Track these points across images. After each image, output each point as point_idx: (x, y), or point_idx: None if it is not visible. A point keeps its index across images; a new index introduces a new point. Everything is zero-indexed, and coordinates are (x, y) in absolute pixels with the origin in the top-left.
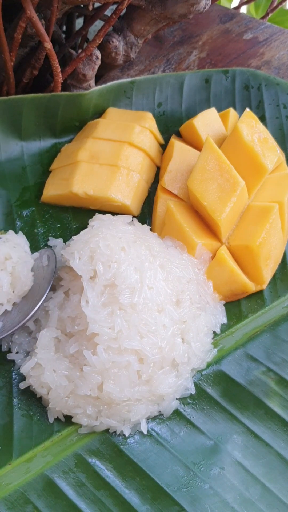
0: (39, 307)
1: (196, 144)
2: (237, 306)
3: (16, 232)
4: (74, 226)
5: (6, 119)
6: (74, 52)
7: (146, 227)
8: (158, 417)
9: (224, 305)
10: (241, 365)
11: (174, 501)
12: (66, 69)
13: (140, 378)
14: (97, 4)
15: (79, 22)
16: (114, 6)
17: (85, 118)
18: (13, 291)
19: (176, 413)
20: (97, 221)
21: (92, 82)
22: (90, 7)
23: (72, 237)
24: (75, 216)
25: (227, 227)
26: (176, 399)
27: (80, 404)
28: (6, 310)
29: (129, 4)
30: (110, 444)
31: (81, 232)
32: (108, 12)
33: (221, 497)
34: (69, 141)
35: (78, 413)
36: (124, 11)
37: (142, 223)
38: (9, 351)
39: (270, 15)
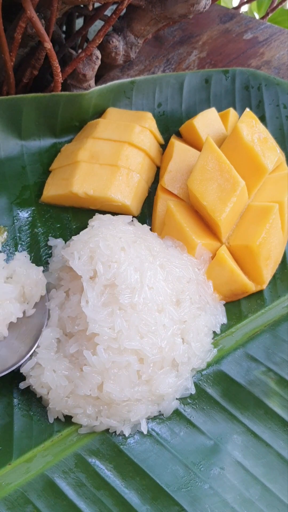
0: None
1: (196, 144)
2: (237, 306)
3: (16, 231)
4: (74, 226)
5: (6, 119)
6: (74, 52)
7: (146, 227)
8: (158, 417)
9: (224, 305)
10: (241, 365)
11: (174, 501)
12: (66, 69)
13: (140, 378)
14: (97, 4)
15: (79, 22)
16: (114, 6)
17: (85, 118)
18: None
19: (176, 413)
20: (97, 221)
21: (92, 82)
22: (90, 7)
23: (72, 237)
24: (75, 216)
25: (227, 227)
26: (176, 399)
27: (80, 404)
28: None
29: (129, 4)
30: (110, 444)
31: (81, 232)
32: (108, 12)
33: (221, 497)
34: (69, 141)
35: (78, 413)
36: (124, 11)
37: (142, 223)
38: None
39: (270, 15)
